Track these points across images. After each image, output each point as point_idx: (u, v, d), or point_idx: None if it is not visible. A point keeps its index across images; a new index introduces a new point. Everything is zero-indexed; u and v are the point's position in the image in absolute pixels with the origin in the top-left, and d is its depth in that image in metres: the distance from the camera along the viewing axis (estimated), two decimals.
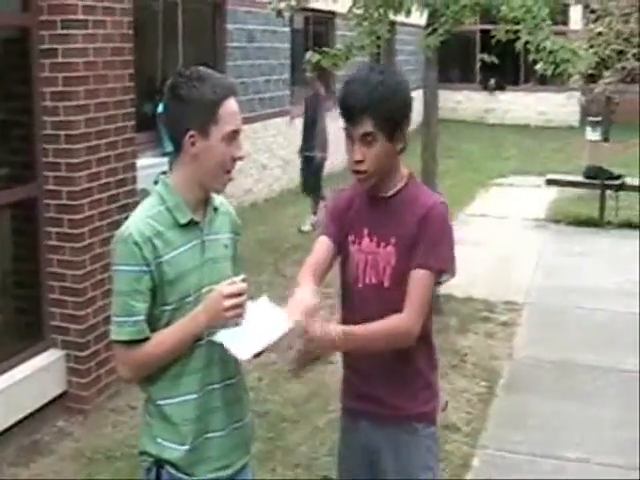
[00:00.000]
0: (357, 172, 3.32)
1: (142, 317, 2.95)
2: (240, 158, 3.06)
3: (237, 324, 2.94)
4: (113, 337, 3.00)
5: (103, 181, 6.53)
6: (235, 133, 3.01)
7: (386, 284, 3.33)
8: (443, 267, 3.36)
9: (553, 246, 12.02)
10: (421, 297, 3.26)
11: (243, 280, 3.00)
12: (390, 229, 3.33)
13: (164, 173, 3.12)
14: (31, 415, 6.21)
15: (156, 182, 3.10)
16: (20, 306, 6.71)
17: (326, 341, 3.07)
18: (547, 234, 12.63)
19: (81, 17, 6.27)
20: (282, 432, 6.31)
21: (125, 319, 2.95)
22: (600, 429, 6.41)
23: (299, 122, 16.66)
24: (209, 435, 3.11)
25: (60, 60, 6.24)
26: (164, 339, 2.97)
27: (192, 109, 2.96)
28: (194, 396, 3.06)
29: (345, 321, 3.39)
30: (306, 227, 12.81)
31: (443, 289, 9.07)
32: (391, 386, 3.41)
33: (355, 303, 3.46)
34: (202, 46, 14.03)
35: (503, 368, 7.53)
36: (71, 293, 6.38)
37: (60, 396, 6.50)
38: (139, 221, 2.98)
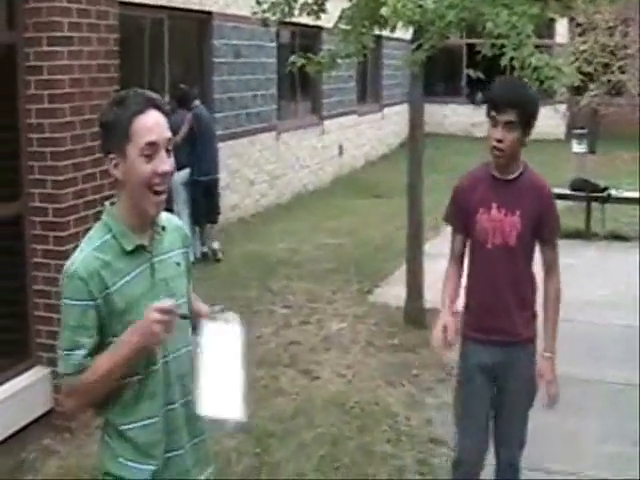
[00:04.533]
0: (496, 149, 4.35)
1: (86, 351, 2.93)
2: (165, 173, 2.98)
3: (165, 338, 2.92)
4: (59, 370, 3.02)
5: (89, 198, 6.52)
6: (152, 145, 2.94)
7: (511, 244, 4.42)
8: (557, 235, 4.63)
9: (539, 258, 11.98)
10: (557, 263, 4.60)
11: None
12: (515, 203, 4.41)
13: (112, 204, 3.09)
14: (17, 433, 6.20)
15: (101, 211, 3.10)
16: (5, 324, 6.68)
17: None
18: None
19: (67, 34, 6.27)
20: (268, 448, 6.30)
21: (69, 352, 2.95)
22: (589, 442, 6.42)
23: (287, 137, 16.74)
24: (171, 454, 3.11)
25: (46, 77, 6.24)
26: (99, 364, 2.93)
27: (109, 133, 2.96)
28: (155, 419, 3.06)
29: (474, 276, 4.59)
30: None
31: (429, 303, 9.12)
32: (510, 318, 4.50)
33: (485, 260, 4.50)
34: (188, 62, 14.06)
35: None
36: (57, 310, 6.25)
37: (46, 414, 6.48)
38: (85, 255, 2.97)
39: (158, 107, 3.00)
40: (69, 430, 6.44)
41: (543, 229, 4.49)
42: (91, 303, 2.92)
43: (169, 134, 3.01)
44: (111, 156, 2.95)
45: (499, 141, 4.32)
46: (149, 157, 2.94)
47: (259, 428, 6.57)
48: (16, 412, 6.19)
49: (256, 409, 6.91)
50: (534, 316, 4.63)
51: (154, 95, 3.05)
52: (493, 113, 4.34)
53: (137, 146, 2.92)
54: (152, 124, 2.96)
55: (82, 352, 2.93)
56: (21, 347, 6.52)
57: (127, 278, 2.98)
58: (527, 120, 4.34)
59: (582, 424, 6.71)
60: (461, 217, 4.64)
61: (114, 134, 2.94)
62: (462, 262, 4.74)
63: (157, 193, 2.99)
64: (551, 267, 4.59)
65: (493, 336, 4.52)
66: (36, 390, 6.40)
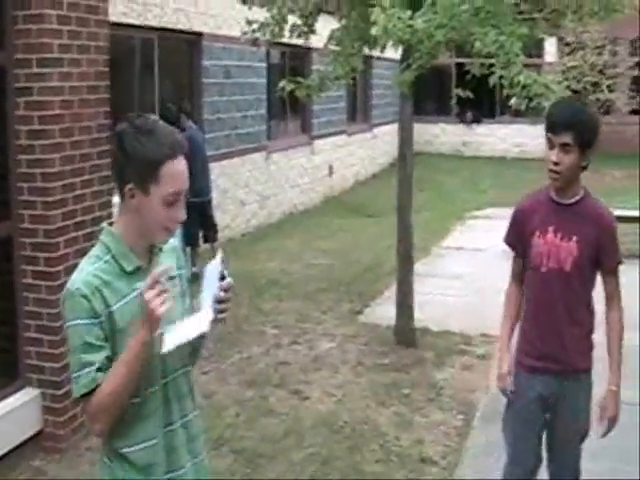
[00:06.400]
0: (553, 172, 4.30)
1: (95, 367, 2.90)
2: (181, 221, 3.02)
3: (168, 310, 2.85)
4: (74, 394, 2.96)
5: (79, 219, 6.53)
6: (176, 195, 2.96)
7: (567, 269, 4.36)
8: (619, 264, 4.50)
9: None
10: (619, 291, 4.50)
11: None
12: (572, 229, 4.36)
13: (111, 225, 3.10)
14: (6, 455, 6.18)
15: (100, 231, 3.10)
16: None
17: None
18: None
19: (56, 56, 6.29)
20: (258, 468, 6.29)
21: (79, 374, 2.91)
22: (585, 460, 6.39)
23: (277, 157, 16.78)
24: (172, 474, 3.11)
25: (35, 98, 6.26)
26: (114, 372, 2.89)
27: (134, 164, 2.92)
28: (155, 440, 3.06)
29: (529, 300, 4.56)
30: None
31: (419, 323, 9.14)
32: (563, 345, 4.44)
33: (539, 283, 4.47)
34: (178, 82, 14.09)
35: (480, 401, 7.52)
36: (47, 331, 6.36)
37: (36, 435, 6.47)
38: (85, 274, 2.96)
39: (183, 153, 3.00)
40: (59, 451, 6.43)
41: (602, 257, 4.41)
42: (95, 320, 2.90)
43: (188, 183, 3.03)
44: (129, 186, 2.93)
45: (556, 164, 4.27)
46: (170, 204, 2.96)
47: (249, 448, 6.57)
48: (6, 433, 6.17)
49: (246, 429, 6.93)
50: (591, 346, 4.56)
51: (180, 138, 3.02)
52: (550, 134, 4.30)
53: (162, 192, 2.92)
54: (180, 173, 2.97)
55: (93, 368, 2.90)
56: (11, 368, 6.50)
57: (127, 299, 2.98)
58: (585, 143, 4.26)
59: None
60: (520, 239, 4.58)
61: (139, 167, 2.91)
62: (521, 284, 4.66)
63: (169, 231, 3.04)
64: (612, 297, 4.50)
65: (545, 363, 4.48)
66: (26, 411, 6.39)
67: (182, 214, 3.02)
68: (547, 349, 4.47)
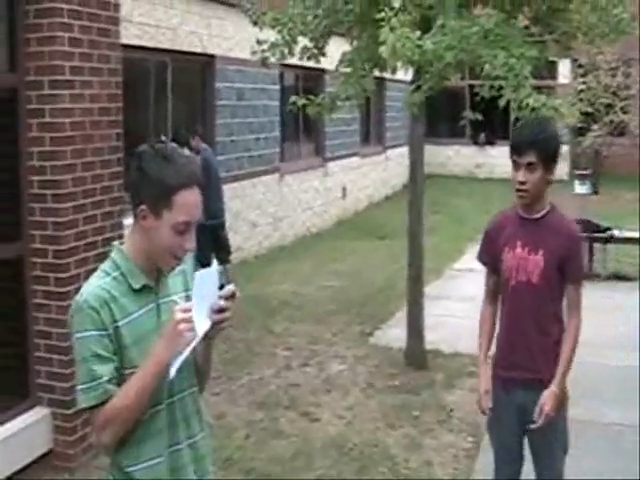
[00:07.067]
0: (520, 191, 4.49)
1: (106, 378, 2.91)
2: (190, 250, 3.05)
3: (191, 339, 2.87)
4: (81, 405, 2.97)
5: (89, 240, 6.56)
6: (187, 225, 2.99)
7: (535, 282, 4.52)
8: (583, 276, 4.74)
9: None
10: (579, 303, 4.65)
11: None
12: (539, 242, 4.53)
13: (122, 244, 3.12)
14: (17, 474, 6.19)
15: (110, 249, 3.12)
16: (6, 364, 6.69)
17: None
18: None
19: (68, 78, 6.35)
20: None
21: (89, 385, 2.92)
22: None
23: (290, 179, 16.81)
24: None
25: (47, 120, 6.31)
26: (130, 386, 2.91)
27: (149, 186, 2.95)
28: (161, 459, 3.06)
29: (502, 313, 4.75)
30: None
31: (429, 345, 9.13)
32: (532, 355, 4.59)
33: (510, 297, 4.66)
34: (191, 104, 14.14)
35: None
36: (57, 351, 6.39)
37: (46, 454, 6.49)
38: (94, 288, 2.98)
39: (199, 184, 3.02)
40: (69, 470, 6.45)
41: (567, 268, 4.56)
42: (104, 333, 2.92)
43: (200, 215, 3.06)
44: (142, 207, 2.96)
45: (522, 183, 4.46)
46: (180, 232, 2.98)
47: (258, 469, 6.57)
48: (16, 452, 6.20)
49: (256, 451, 6.92)
50: (558, 355, 4.65)
51: (197, 169, 3.08)
52: (515, 157, 4.48)
53: (174, 219, 2.95)
54: (193, 204, 2.99)
55: (104, 379, 2.90)
56: (21, 388, 6.53)
57: (134, 316, 3.00)
58: (548, 159, 4.46)
59: (578, 465, 6.66)
60: (491, 255, 4.77)
61: (154, 190, 2.94)
62: (496, 302, 4.85)
63: (176, 258, 3.05)
64: (573, 306, 4.66)
65: (516, 373, 4.63)
66: (36, 430, 6.41)
67: (191, 244, 3.04)
68: (517, 358, 4.64)
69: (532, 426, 4.55)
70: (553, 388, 4.54)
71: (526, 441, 4.80)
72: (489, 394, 4.71)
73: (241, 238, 14.68)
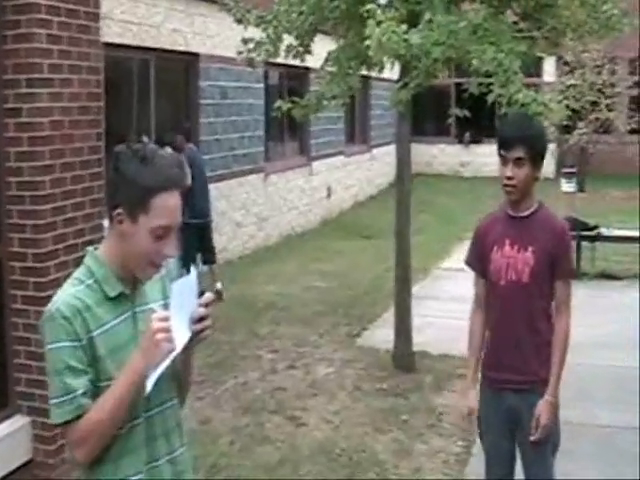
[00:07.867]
0: (507, 186, 4.45)
1: (80, 392, 2.77)
2: (169, 257, 2.92)
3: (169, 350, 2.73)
4: (55, 420, 2.82)
5: (69, 243, 6.39)
6: (166, 229, 2.84)
7: (525, 280, 4.46)
8: (574, 273, 4.78)
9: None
10: (569, 300, 4.60)
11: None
12: (528, 240, 4.48)
13: (96, 249, 2.99)
14: None
15: (82, 256, 2.98)
16: None
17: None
18: None
19: (46, 76, 6.17)
20: None
21: (63, 399, 2.78)
22: None
23: (274, 178, 16.69)
24: None
25: (25, 119, 6.13)
26: (106, 398, 2.77)
27: (125, 188, 2.81)
28: (138, 477, 2.92)
29: (491, 314, 4.66)
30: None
31: (417, 346, 9.01)
32: (523, 356, 4.53)
33: (499, 297, 4.58)
34: (175, 103, 14.02)
35: None
36: (36, 358, 6.21)
37: (25, 464, 6.32)
38: (66, 296, 2.84)
39: (180, 187, 2.88)
40: None
41: (557, 265, 4.50)
42: (77, 344, 2.77)
43: (181, 218, 2.91)
44: (118, 211, 2.82)
45: (510, 178, 4.43)
46: (159, 237, 2.84)
47: (244, 477, 6.45)
48: None
49: (241, 457, 6.79)
50: (549, 355, 4.59)
51: (179, 172, 2.92)
52: (502, 152, 4.46)
53: (151, 223, 2.81)
54: (172, 207, 2.85)
55: (78, 393, 2.76)
56: (1, 395, 6.36)
57: (109, 325, 2.86)
58: (536, 155, 4.44)
59: (569, 467, 6.54)
60: (479, 257, 4.71)
61: (130, 193, 2.80)
62: (486, 308, 4.76)
63: (154, 266, 2.91)
64: (562, 305, 4.59)
65: (506, 375, 4.58)
66: (15, 440, 6.24)
67: (172, 250, 2.90)
68: (507, 359, 4.59)
69: (531, 438, 4.49)
70: (548, 397, 4.49)
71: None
72: (473, 415, 4.75)
73: (225, 238, 14.55)
